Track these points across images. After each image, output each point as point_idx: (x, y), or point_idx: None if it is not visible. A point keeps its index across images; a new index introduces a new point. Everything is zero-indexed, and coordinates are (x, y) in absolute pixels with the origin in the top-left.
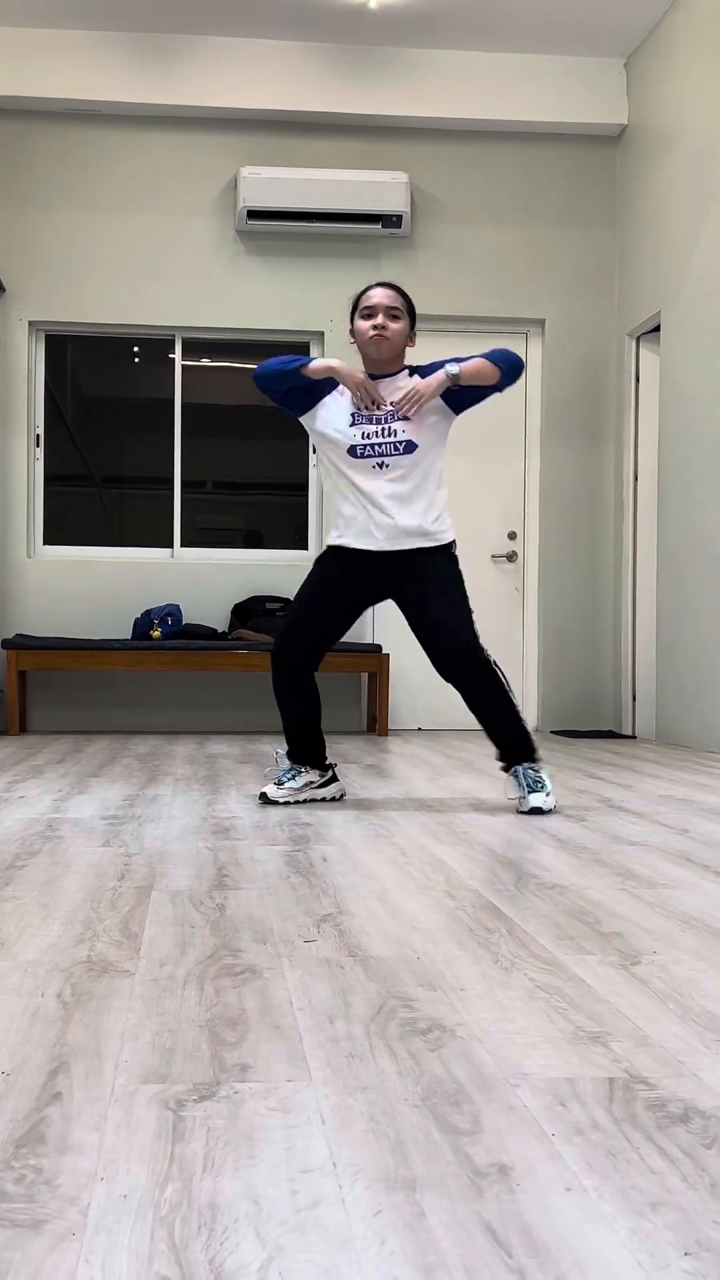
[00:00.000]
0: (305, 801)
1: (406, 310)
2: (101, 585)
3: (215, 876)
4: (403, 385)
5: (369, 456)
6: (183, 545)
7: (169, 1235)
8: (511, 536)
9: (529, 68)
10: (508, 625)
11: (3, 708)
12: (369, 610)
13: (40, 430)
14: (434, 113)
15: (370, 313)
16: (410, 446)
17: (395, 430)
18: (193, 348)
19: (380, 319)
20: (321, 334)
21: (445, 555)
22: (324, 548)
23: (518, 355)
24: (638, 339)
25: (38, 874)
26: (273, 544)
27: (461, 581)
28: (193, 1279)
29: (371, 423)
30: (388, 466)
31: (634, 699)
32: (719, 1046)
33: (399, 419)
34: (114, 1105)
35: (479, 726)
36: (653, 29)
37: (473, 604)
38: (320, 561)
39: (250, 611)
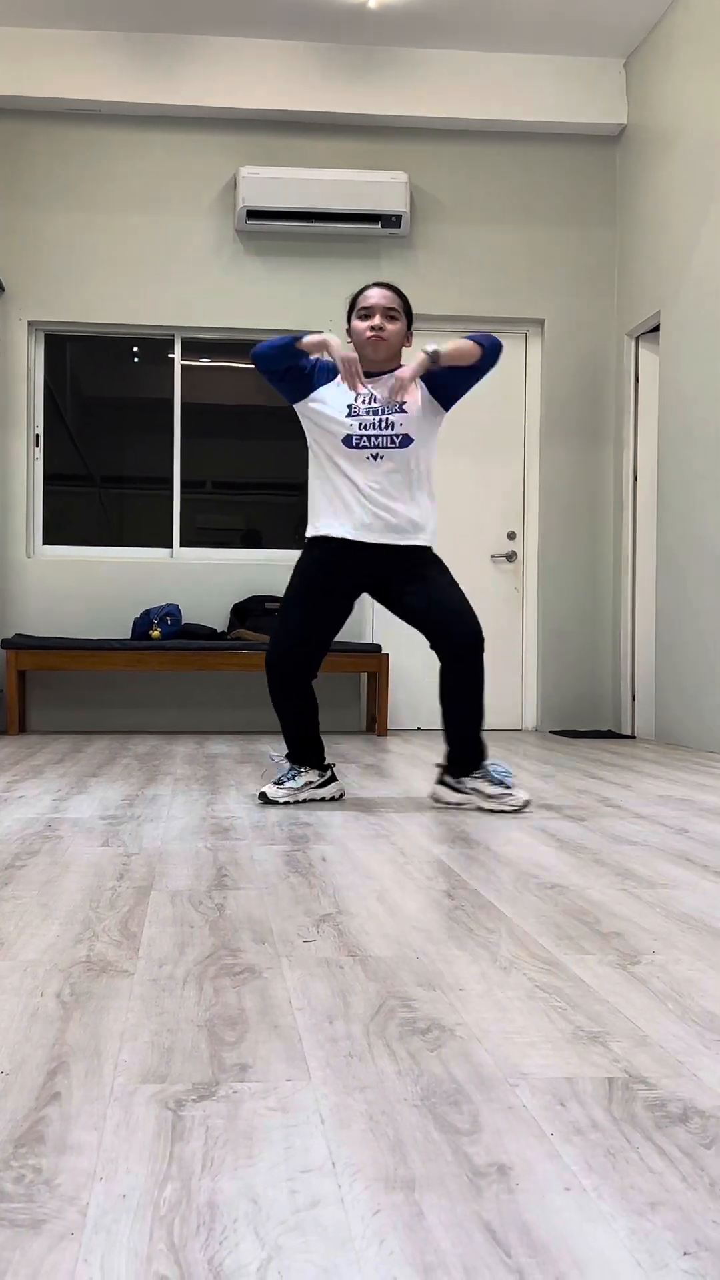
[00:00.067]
0: (304, 801)
1: (403, 311)
2: (101, 585)
3: (214, 876)
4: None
5: (364, 447)
6: (182, 545)
7: (168, 1235)
8: (511, 536)
9: (529, 68)
10: (507, 625)
11: (2, 707)
12: (369, 610)
13: (40, 430)
14: (433, 113)
15: (367, 313)
16: (406, 440)
17: (393, 423)
18: (192, 348)
19: (377, 319)
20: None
21: (432, 555)
22: (306, 539)
23: (497, 338)
24: (637, 339)
25: (37, 874)
26: (272, 544)
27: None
28: (192, 1279)
29: (369, 414)
30: (382, 459)
31: (633, 699)
32: (718, 1046)
33: (397, 412)
34: (113, 1105)
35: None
36: (652, 29)
37: (472, 604)
38: (307, 556)
39: (249, 611)
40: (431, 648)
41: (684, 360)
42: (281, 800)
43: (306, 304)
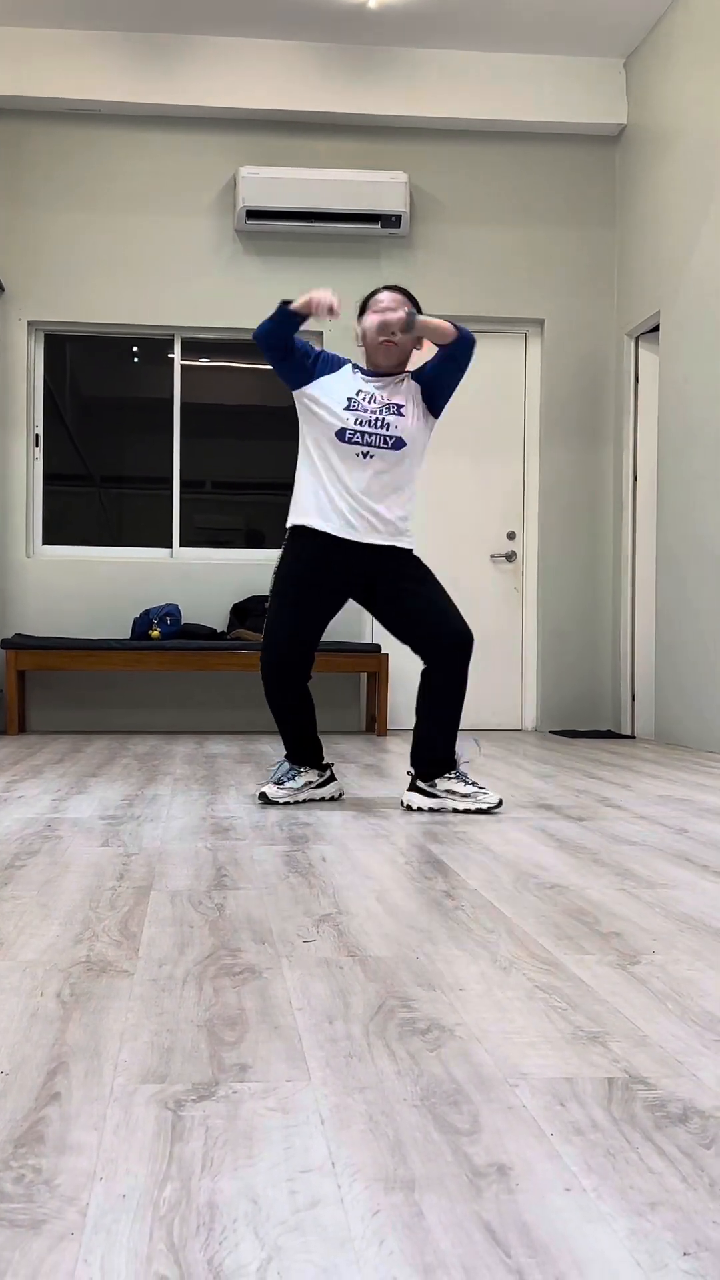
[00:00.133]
0: (304, 801)
1: None
2: (100, 585)
3: (214, 876)
4: (402, 389)
5: (356, 444)
6: (182, 545)
7: (168, 1235)
8: (511, 536)
9: (528, 68)
10: (507, 625)
11: (2, 707)
12: (368, 611)
13: (39, 430)
14: (433, 113)
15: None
16: (399, 443)
17: (388, 424)
18: (192, 347)
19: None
20: (320, 334)
21: (415, 557)
22: (289, 528)
23: (472, 333)
24: (637, 339)
25: (37, 874)
26: (272, 544)
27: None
28: (191, 1279)
29: (367, 411)
30: (372, 458)
31: (633, 699)
32: (718, 1046)
33: (394, 415)
34: (113, 1105)
35: (467, 727)
36: (652, 29)
37: (472, 604)
38: (291, 553)
39: (249, 611)
40: (415, 650)
41: (684, 360)
42: (281, 800)
43: None
